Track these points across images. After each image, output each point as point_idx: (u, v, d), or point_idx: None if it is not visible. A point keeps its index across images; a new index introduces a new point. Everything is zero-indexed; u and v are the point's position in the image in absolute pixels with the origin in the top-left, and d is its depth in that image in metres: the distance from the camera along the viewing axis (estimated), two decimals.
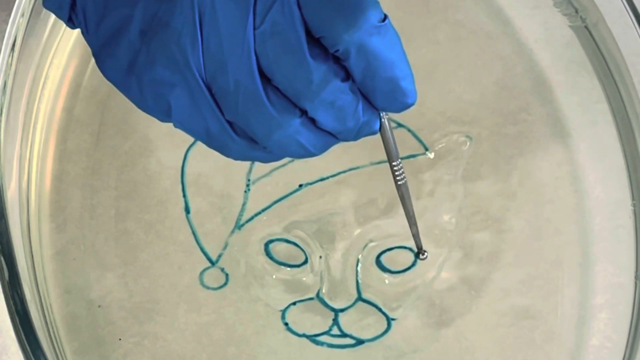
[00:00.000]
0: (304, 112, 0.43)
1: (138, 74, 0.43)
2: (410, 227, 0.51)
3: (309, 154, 0.44)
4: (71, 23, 0.45)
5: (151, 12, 0.42)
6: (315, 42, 0.41)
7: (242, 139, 0.43)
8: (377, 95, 0.43)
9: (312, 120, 0.43)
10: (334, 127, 0.43)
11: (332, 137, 0.44)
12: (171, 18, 0.42)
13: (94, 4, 0.43)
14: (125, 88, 0.44)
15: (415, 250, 0.54)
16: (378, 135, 0.46)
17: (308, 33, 0.41)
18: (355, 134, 0.44)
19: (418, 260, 0.54)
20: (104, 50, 0.44)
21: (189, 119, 0.43)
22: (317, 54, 0.41)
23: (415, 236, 0.52)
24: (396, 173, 0.48)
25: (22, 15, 0.54)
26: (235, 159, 0.45)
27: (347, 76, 0.42)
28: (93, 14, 0.43)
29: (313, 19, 0.41)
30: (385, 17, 0.42)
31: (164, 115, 0.44)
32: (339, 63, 0.42)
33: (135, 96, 0.44)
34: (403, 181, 0.48)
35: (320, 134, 0.44)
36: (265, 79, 0.42)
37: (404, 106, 0.43)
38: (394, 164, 0.47)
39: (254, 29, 0.41)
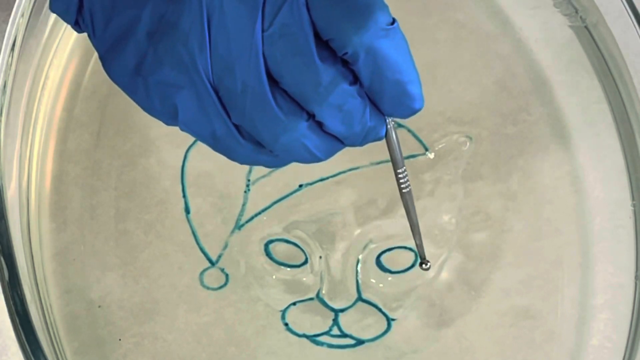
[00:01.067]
0: (311, 116, 0.42)
1: (145, 76, 0.43)
2: (414, 237, 0.50)
3: (315, 158, 0.44)
4: (78, 27, 0.44)
5: (159, 13, 0.42)
6: (323, 44, 0.41)
7: (248, 143, 0.43)
8: (384, 100, 0.42)
9: (319, 124, 0.43)
10: (341, 131, 0.43)
11: (339, 141, 0.44)
12: (179, 19, 0.41)
13: (101, 7, 0.43)
14: (132, 90, 0.44)
15: (416, 249, 0.54)
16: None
17: (317, 35, 0.41)
18: (361, 139, 0.44)
19: (418, 261, 0.54)
20: (110, 52, 0.43)
21: (195, 122, 0.43)
22: (325, 57, 0.41)
23: (419, 247, 0.51)
24: (401, 181, 0.47)
25: (22, 15, 0.54)
26: (241, 162, 0.45)
27: (355, 80, 0.42)
28: (100, 17, 0.43)
29: (322, 21, 0.41)
30: (394, 20, 0.42)
31: (170, 118, 0.44)
32: (347, 66, 0.42)
33: (141, 99, 0.44)
34: (407, 189, 0.47)
35: (327, 138, 0.43)
36: (273, 81, 0.42)
37: (410, 111, 0.43)
38: (398, 171, 0.47)
39: (263, 31, 0.41)
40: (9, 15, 0.54)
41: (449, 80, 0.59)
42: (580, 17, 0.60)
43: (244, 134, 0.43)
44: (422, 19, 0.60)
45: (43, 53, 0.57)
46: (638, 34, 0.57)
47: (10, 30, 0.54)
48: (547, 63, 0.60)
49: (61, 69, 0.58)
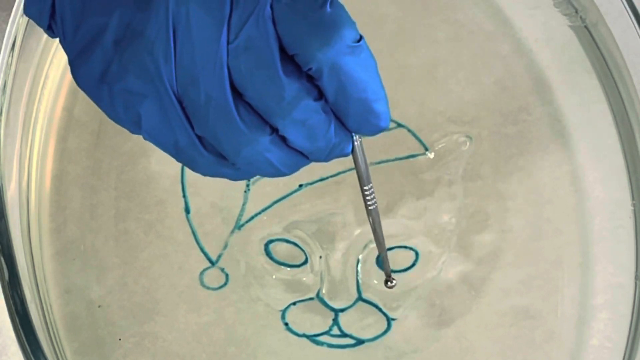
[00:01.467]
0: (274, 130, 0.42)
1: (110, 83, 0.42)
2: (379, 252, 0.50)
3: (278, 172, 0.44)
4: (50, 31, 0.44)
5: (126, 21, 0.42)
6: (289, 59, 0.41)
7: (210, 155, 0.43)
8: (349, 117, 0.42)
9: (283, 139, 0.42)
10: (304, 146, 0.43)
11: (303, 156, 0.43)
12: (145, 28, 0.41)
13: (71, 13, 0.43)
14: (98, 98, 0.43)
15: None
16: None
17: (282, 49, 0.41)
18: (326, 155, 0.43)
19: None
20: (78, 58, 0.43)
21: (158, 132, 0.43)
22: (290, 71, 0.41)
23: (385, 262, 0.51)
24: (367, 197, 0.47)
25: (22, 15, 0.54)
26: (203, 174, 0.44)
27: (320, 96, 0.42)
28: (70, 22, 0.43)
29: (287, 35, 0.40)
30: (361, 37, 0.41)
31: (135, 126, 0.43)
32: (312, 82, 0.41)
33: (106, 106, 0.43)
34: (374, 206, 0.47)
35: (291, 153, 0.43)
36: (237, 94, 0.41)
37: (376, 129, 0.43)
38: (365, 188, 0.46)
39: (228, 43, 0.40)
40: (9, 15, 0.54)
41: (449, 80, 0.59)
42: (580, 17, 0.60)
43: (206, 146, 0.43)
44: (422, 19, 0.60)
45: (43, 53, 0.57)
46: (638, 34, 0.57)
47: (10, 30, 0.54)
48: (547, 63, 0.60)
49: (61, 69, 0.58)
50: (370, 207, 0.47)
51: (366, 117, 0.42)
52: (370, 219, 0.48)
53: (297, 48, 0.40)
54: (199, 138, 0.43)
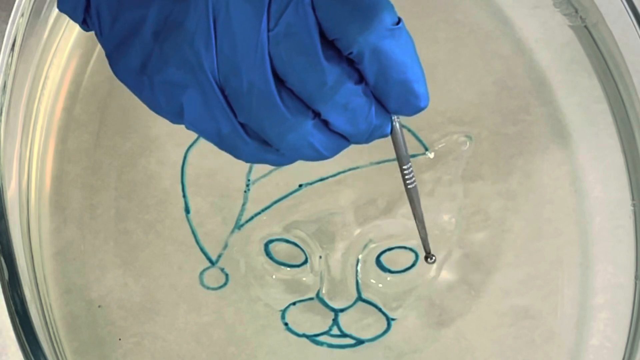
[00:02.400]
0: (317, 114, 0.42)
1: (150, 75, 0.43)
2: (419, 231, 0.50)
3: (320, 156, 0.44)
4: (85, 25, 0.45)
5: (165, 13, 0.42)
6: (329, 44, 0.41)
7: (254, 141, 0.43)
8: (390, 98, 0.43)
9: (325, 123, 0.43)
10: (346, 129, 0.43)
11: (344, 139, 0.44)
12: (185, 19, 0.42)
13: (107, 6, 0.43)
14: (138, 89, 0.44)
15: (417, 250, 0.54)
16: None
17: (322, 35, 0.41)
18: (367, 137, 0.44)
19: (418, 260, 0.54)
20: (117, 51, 0.43)
21: (201, 121, 0.43)
22: (330, 56, 0.41)
23: (424, 240, 0.51)
24: (406, 177, 0.47)
25: (22, 15, 0.54)
26: (247, 161, 0.45)
27: (361, 79, 0.42)
28: (107, 15, 0.43)
29: (327, 20, 0.41)
30: (400, 20, 0.42)
31: (176, 116, 0.44)
32: (352, 65, 0.42)
33: (147, 97, 0.44)
34: (413, 185, 0.48)
35: (333, 136, 0.43)
36: (278, 80, 0.42)
37: (416, 109, 0.43)
38: (404, 167, 0.47)
39: (268, 30, 0.41)
40: (9, 15, 0.54)
41: (449, 80, 0.59)
42: (580, 17, 0.60)
43: (249, 133, 0.43)
44: (422, 19, 0.60)
45: (43, 53, 0.57)
46: (638, 34, 0.57)
47: (10, 30, 0.54)
48: (547, 63, 0.60)
49: (61, 69, 0.58)
50: (409, 186, 0.48)
51: (406, 98, 0.43)
52: (410, 197, 0.48)
53: (337, 33, 0.41)
54: (242, 125, 0.43)
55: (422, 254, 0.54)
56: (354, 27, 0.41)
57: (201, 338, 0.54)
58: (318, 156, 0.44)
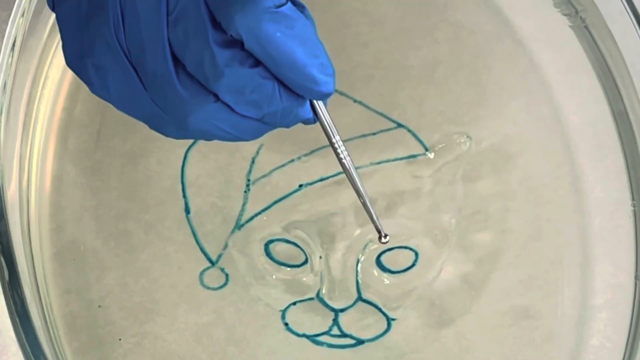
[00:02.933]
0: (217, 97, 0.43)
1: (83, 57, 0.44)
2: (365, 210, 0.48)
3: (236, 138, 0.44)
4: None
5: None
6: (222, 28, 0.42)
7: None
8: (288, 82, 0.43)
9: (228, 105, 0.43)
10: (250, 112, 0.43)
11: (258, 122, 0.44)
12: (103, 1, 0.43)
13: None
14: (80, 74, 0.45)
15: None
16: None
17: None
18: (279, 119, 0.44)
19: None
20: (64, 35, 0.45)
21: (126, 102, 0.44)
22: (222, 40, 0.42)
23: (369, 214, 0.48)
24: (337, 150, 0.46)
25: (22, 15, 0.54)
26: (175, 138, 0.45)
27: (258, 62, 0.42)
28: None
29: (212, 3, 0.42)
30: (287, 2, 0.42)
31: (109, 98, 0.45)
32: (246, 50, 0.42)
33: (86, 80, 0.45)
34: (346, 159, 0.47)
35: (243, 119, 0.44)
36: (180, 63, 0.43)
37: (317, 94, 0.43)
38: (332, 141, 0.46)
39: (168, 14, 0.42)
40: (9, 15, 0.54)
41: (449, 80, 0.59)
42: (580, 17, 0.60)
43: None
44: (422, 19, 0.60)
45: (43, 53, 0.57)
46: (638, 34, 0.57)
47: (10, 30, 0.54)
48: (547, 63, 0.60)
49: (61, 69, 0.58)
50: (342, 160, 0.47)
51: (303, 83, 0.43)
52: (345, 172, 0.47)
53: (220, 16, 0.42)
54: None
55: (422, 254, 0.54)
56: (232, 10, 0.41)
57: (201, 338, 0.54)
58: (234, 138, 0.44)
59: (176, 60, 0.43)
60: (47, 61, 0.58)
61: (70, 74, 0.58)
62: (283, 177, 0.56)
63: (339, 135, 0.46)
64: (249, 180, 0.56)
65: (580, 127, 0.58)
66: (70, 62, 0.45)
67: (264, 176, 0.56)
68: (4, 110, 0.54)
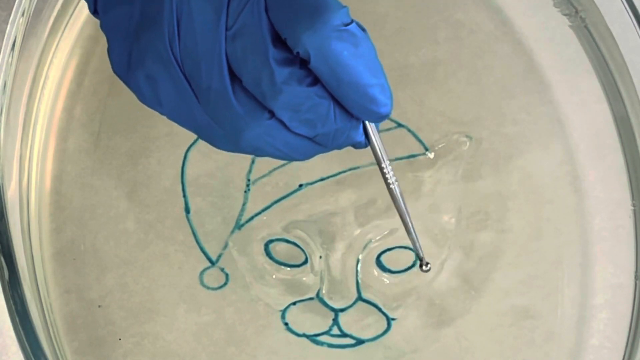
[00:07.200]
0: (272, 114, 0.43)
1: (134, 68, 0.44)
2: (408, 235, 0.49)
3: (288, 157, 0.44)
4: (97, 13, 0.46)
5: (144, 8, 0.43)
6: (284, 45, 0.42)
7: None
8: (347, 102, 0.43)
9: (283, 123, 0.43)
10: (303, 131, 0.43)
11: (310, 141, 0.44)
12: (157, 15, 0.43)
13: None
14: (128, 83, 0.45)
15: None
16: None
17: (279, 37, 0.42)
18: (332, 141, 0.44)
19: (418, 260, 0.54)
20: (111, 43, 0.45)
21: (178, 113, 0.44)
22: (283, 57, 0.42)
23: (414, 244, 0.49)
24: (386, 176, 0.47)
25: (22, 15, 0.54)
26: (228, 151, 0.45)
27: (316, 81, 0.42)
28: (102, 6, 0.45)
29: (277, 20, 0.41)
30: (352, 21, 0.42)
31: (159, 107, 0.45)
32: (306, 67, 0.42)
33: (136, 90, 0.45)
34: (394, 185, 0.47)
35: (296, 138, 0.44)
36: (236, 79, 0.42)
37: (375, 116, 0.43)
38: (382, 165, 0.46)
39: (226, 29, 0.42)
40: (9, 15, 0.54)
41: (449, 80, 0.59)
42: (580, 17, 0.60)
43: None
44: (422, 19, 0.60)
45: (43, 53, 0.57)
46: (638, 34, 0.57)
47: (10, 30, 0.54)
48: (547, 63, 0.60)
49: (61, 69, 0.58)
50: (390, 186, 0.47)
51: (362, 103, 0.42)
52: (394, 199, 0.47)
53: (286, 33, 0.41)
54: None
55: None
56: (299, 27, 0.41)
57: (201, 338, 0.54)
58: (285, 156, 0.44)
59: (232, 75, 0.42)
60: (47, 61, 0.58)
61: (70, 74, 0.58)
62: (283, 177, 0.56)
63: (389, 160, 0.46)
64: (249, 180, 0.56)
65: (580, 127, 0.58)
66: (118, 71, 0.45)
67: (264, 176, 0.56)
68: (4, 110, 0.54)
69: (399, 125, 0.57)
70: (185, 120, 0.44)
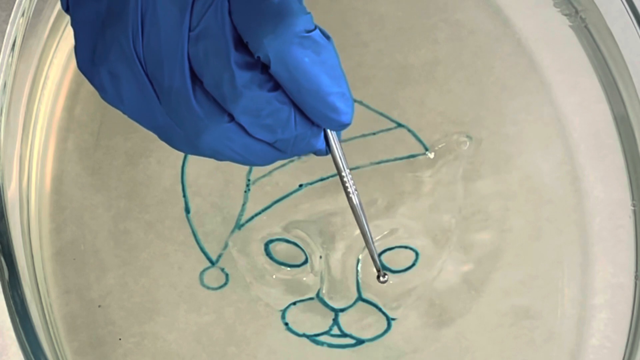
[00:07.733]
0: (232, 118, 0.43)
1: (97, 64, 0.44)
2: (366, 246, 0.49)
3: (246, 161, 0.44)
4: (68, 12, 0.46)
5: (111, 3, 0.43)
6: (246, 49, 0.42)
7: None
8: (307, 109, 0.42)
9: (243, 127, 0.43)
10: (263, 136, 0.43)
11: (270, 146, 0.44)
12: (122, 11, 0.43)
13: None
14: (91, 79, 0.45)
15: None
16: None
17: (241, 40, 0.42)
18: (292, 147, 0.44)
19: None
20: (77, 38, 0.45)
21: (138, 111, 0.44)
22: (244, 61, 0.42)
23: (372, 255, 0.49)
24: (346, 185, 0.46)
25: (22, 15, 0.54)
26: (188, 153, 0.45)
27: (277, 87, 0.42)
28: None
29: (240, 24, 0.41)
30: (315, 28, 0.42)
31: (122, 106, 0.45)
32: (268, 73, 0.42)
33: (98, 86, 0.45)
34: (354, 194, 0.47)
35: (256, 143, 0.43)
36: (197, 80, 0.42)
37: (336, 124, 0.43)
38: (342, 174, 0.46)
39: (190, 30, 0.42)
40: (9, 15, 0.54)
41: (449, 80, 0.59)
42: (580, 17, 0.60)
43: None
44: (422, 19, 0.60)
45: (43, 53, 0.57)
46: (638, 34, 0.57)
47: (10, 30, 0.54)
48: (547, 63, 0.60)
49: (61, 69, 0.58)
50: (349, 195, 0.47)
51: (322, 111, 0.42)
52: (352, 209, 0.47)
53: (247, 36, 0.41)
54: None
55: (422, 254, 0.54)
56: (261, 32, 0.41)
57: (201, 338, 0.54)
58: (244, 161, 0.44)
59: (193, 76, 0.42)
60: (47, 61, 0.58)
61: (70, 74, 0.58)
62: (283, 177, 0.56)
63: (349, 169, 0.46)
64: (249, 180, 0.56)
65: (580, 127, 0.58)
66: (83, 66, 0.45)
67: (264, 176, 0.56)
68: (4, 110, 0.54)
69: (399, 125, 0.57)
70: (146, 119, 0.44)
